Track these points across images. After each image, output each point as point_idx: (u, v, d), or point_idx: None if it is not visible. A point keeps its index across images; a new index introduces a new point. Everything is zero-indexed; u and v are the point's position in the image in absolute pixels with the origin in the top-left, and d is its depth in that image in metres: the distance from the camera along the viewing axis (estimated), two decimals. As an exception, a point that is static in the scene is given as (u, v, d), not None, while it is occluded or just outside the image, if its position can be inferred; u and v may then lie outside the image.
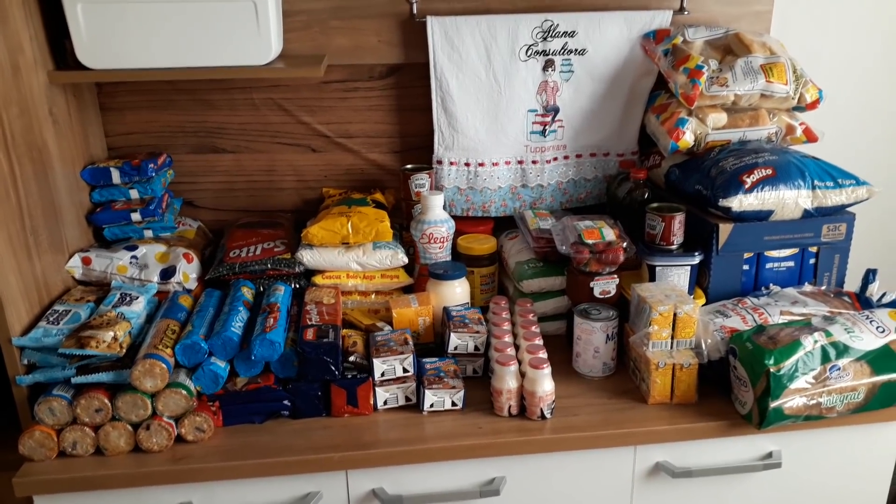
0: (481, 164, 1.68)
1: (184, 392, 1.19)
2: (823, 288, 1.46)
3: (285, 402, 1.26)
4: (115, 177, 1.51)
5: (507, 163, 1.69)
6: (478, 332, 1.36)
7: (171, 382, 1.19)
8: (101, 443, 1.18)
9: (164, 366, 1.17)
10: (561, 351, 1.43)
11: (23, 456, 1.17)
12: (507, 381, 1.24)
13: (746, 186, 1.38)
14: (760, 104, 1.53)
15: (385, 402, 1.29)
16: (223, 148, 1.69)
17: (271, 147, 1.70)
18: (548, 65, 1.62)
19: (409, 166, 1.66)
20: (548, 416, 1.25)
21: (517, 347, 1.34)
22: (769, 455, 1.29)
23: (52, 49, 1.39)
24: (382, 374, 1.28)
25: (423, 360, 1.33)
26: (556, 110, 1.66)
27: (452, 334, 1.35)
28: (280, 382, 1.27)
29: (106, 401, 1.17)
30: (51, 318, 1.28)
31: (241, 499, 1.21)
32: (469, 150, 1.67)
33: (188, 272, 1.46)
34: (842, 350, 1.21)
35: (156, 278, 1.44)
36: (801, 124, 1.55)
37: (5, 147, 1.22)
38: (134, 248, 1.48)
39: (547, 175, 1.70)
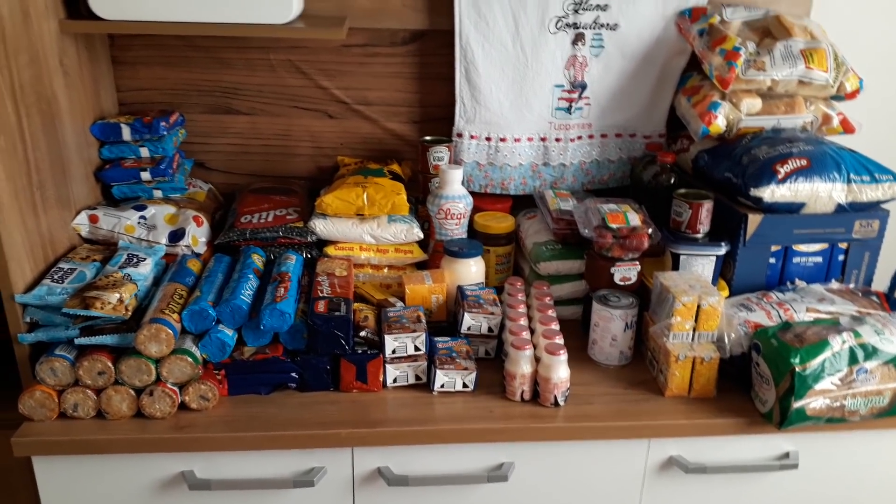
0: (503, 140, 1.63)
1: (189, 359, 1.16)
2: (851, 286, 1.41)
3: (293, 374, 1.23)
4: (126, 133, 1.47)
5: (530, 139, 1.64)
6: (492, 313, 1.32)
7: (177, 349, 1.16)
8: (103, 406, 1.16)
9: (170, 331, 1.14)
10: (575, 337, 1.39)
11: (22, 415, 1.15)
12: (522, 365, 1.21)
13: (780, 177, 1.33)
14: (798, 91, 1.47)
15: (395, 380, 1.26)
16: (238, 109, 1.64)
17: (287, 111, 1.64)
18: (578, 38, 1.56)
19: (428, 138, 1.61)
20: (561, 403, 1.21)
21: (532, 331, 1.30)
22: (786, 455, 1.26)
23: (64, -3, 1.34)
24: (393, 352, 1.24)
25: (436, 339, 1.30)
26: (584, 87, 1.60)
27: (466, 314, 1.31)
28: (288, 354, 1.24)
29: (109, 364, 1.14)
30: (55, 276, 1.24)
31: (244, 470, 1.19)
32: (491, 123, 1.62)
33: (198, 236, 1.42)
34: (870, 352, 1.17)
35: (164, 240, 1.40)
36: (838, 114, 1.49)
37: (13, 97, 1.18)
38: (143, 207, 1.44)
39: (570, 154, 1.65)
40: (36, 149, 1.24)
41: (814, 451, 1.26)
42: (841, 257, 1.42)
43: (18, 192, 1.19)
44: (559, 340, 1.23)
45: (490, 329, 1.32)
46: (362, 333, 1.26)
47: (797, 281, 1.41)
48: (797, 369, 1.13)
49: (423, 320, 1.29)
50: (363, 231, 1.44)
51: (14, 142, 1.18)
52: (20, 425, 1.14)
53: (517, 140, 1.63)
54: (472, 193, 1.52)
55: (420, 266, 1.50)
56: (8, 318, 1.19)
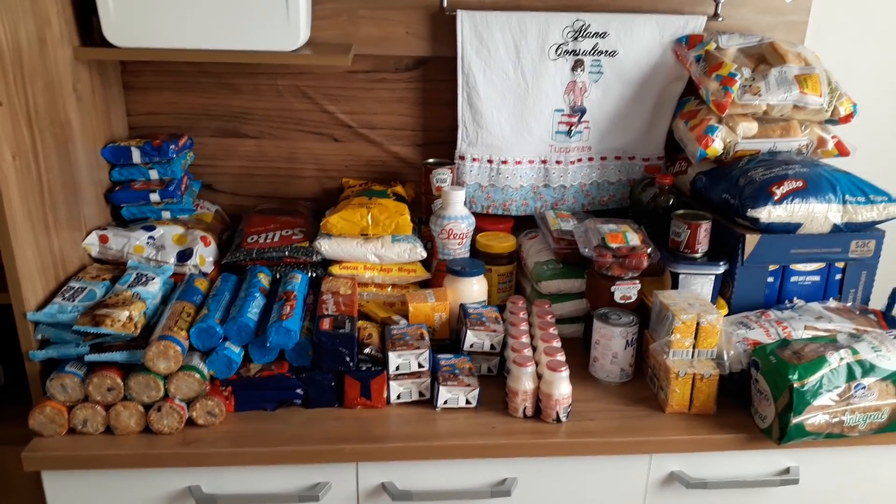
0: (504, 162, 1.67)
1: (197, 375, 1.18)
2: (849, 304, 1.43)
3: (298, 390, 1.25)
4: (136, 156, 1.50)
5: (531, 162, 1.67)
6: (494, 330, 1.34)
7: (185, 365, 1.18)
8: (112, 422, 1.17)
9: (178, 348, 1.16)
10: (577, 354, 1.41)
11: (32, 431, 1.16)
12: (524, 382, 1.23)
13: (776, 198, 1.35)
14: (793, 115, 1.50)
15: (398, 397, 1.28)
16: (245, 133, 1.68)
17: (294, 134, 1.68)
18: (577, 65, 1.60)
19: (430, 160, 1.65)
20: (563, 419, 1.23)
21: (534, 348, 1.32)
22: (787, 471, 1.27)
23: (78, 25, 1.38)
24: (397, 368, 1.26)
25: (439, 356, 1.32)
26: (583, 111, 1.64)
27: (469, 331, 1.33)
28: (294, 371, 1.26)
29: (118, 380, 1.16)
30: (66, 295, 1.26)
31: (250, 485, 1.20)
32: (492, 146, 1.65)
33: (205, 255, 1.45)
34: (868, 369, 1.18)
35: (172, 260, 1.43)
36: (833, 137, 1.53)
37: (28, 121, 1.21)
38: (151, 228, 1.47)
39: (570, 176, 1.68)
40: (49, 171, 1.27)
41: (814, 466, 1.27)
42: (838, 276, 1.44)
43: (32, 212, 1.22)
44: (561, 357, 1.25)
45: (492, 346, 1.34)
46: (366, 351, 1.28)
47: (795, 299, 1.43)
48: (795, 385, 1.15)
49: (427, 338, 1.30)
50: (367, 251, 1.47)
51: (28, 164, 1.21)
52: (30, 441, 1.16)
53: (518, 162, 1.67)
54: (475, 214, 1.55)
55: (423, 285, 1.52)
56: (20, 336, 1.21)
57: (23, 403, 1.22)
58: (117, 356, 1.17)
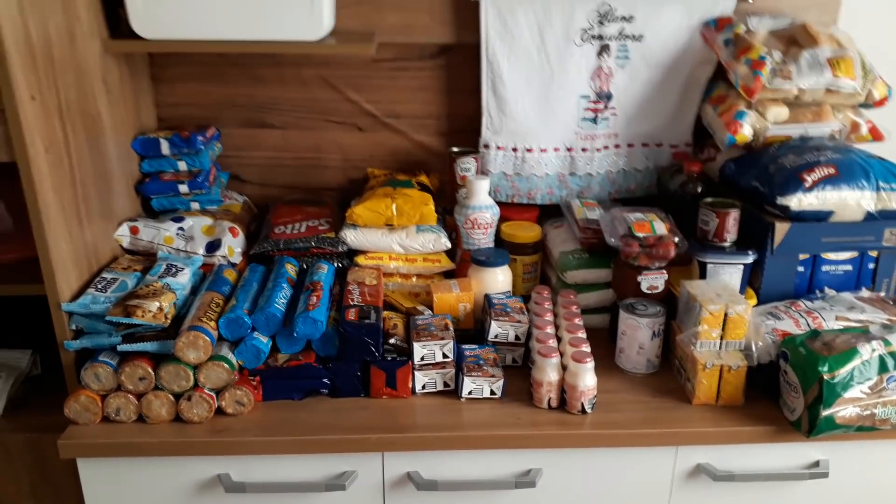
0: (529, 150, 1.65)
1: (226, 365, 1.20)
2: (882, 294, 1.40)
3: (325, 380, 1.26)
4: (165, 148, 1.52)
5: (556, 149, 1.66)
6: (519, 321, 1.34)
7: (214, 355, 1.20)
8: (144, 410, 1.20)
9: (207, 338, 1.18)
10: (603, 345, 1.40)
11: (68, 419, 1.20)
12: (549, 373, 1.23)
13: (807, 185, 1.33)
14: (825, 99, 1.47)
15: (423, 387, 1.28)
16: (271, 123, 1.69)
17: (319, 124, 1.69)
18: (603, 50, 1.58)
19: (455, 149, 1.64)
20: (588, 410, 1.23)
21: (559, 339, 1.32)
22: (816, 464, 1.25)
23: (106, 18, 1.40)
24: (422, 359, 1.27)
25: (463, 346, 1.32)
26: (609, 97, 1.62)
27: (493, 322, 1.33)
28: (321, 361, 1.27)
29: (150, 370, 1.19)
30: (99, 286, 1.29)
31: (278, 473, 1.22)
32: (517, 134, 1.64)
33: (233, 246, 1.46)
34: (901, 360, 1.16)
35: (201, 251, 1.45)
36: (867, 122, 1.49)
37: (60, 114, 1.23)
38: (181, 219, 1.49)
39: (596, 164, 1.67)
40: (81, 163, 1.30)
41: (844, 459, 1.26)
42: (871, 265, 1.41)
43: (65, 205, 1.24)
44: (586, 348, 1.25)
45: (517, 337, 1.34)
46: (392, 341, 1.28)
47: (826, 289, 1.41)
48: (825, 377, 1.13)
49: (451, 328, 1.31)
50: (392, 241, 1.47)
51: (61, 157, 1.23)
52: (66, 428, 1.19)
53: (543, 150, 1.65)
54: (499, 203, 1.55)
55: (448, 275, 1.52)
56: (55, 326, 1.24)
57: (58, 392, 1.25)
58: (148, 346, 1.20)
